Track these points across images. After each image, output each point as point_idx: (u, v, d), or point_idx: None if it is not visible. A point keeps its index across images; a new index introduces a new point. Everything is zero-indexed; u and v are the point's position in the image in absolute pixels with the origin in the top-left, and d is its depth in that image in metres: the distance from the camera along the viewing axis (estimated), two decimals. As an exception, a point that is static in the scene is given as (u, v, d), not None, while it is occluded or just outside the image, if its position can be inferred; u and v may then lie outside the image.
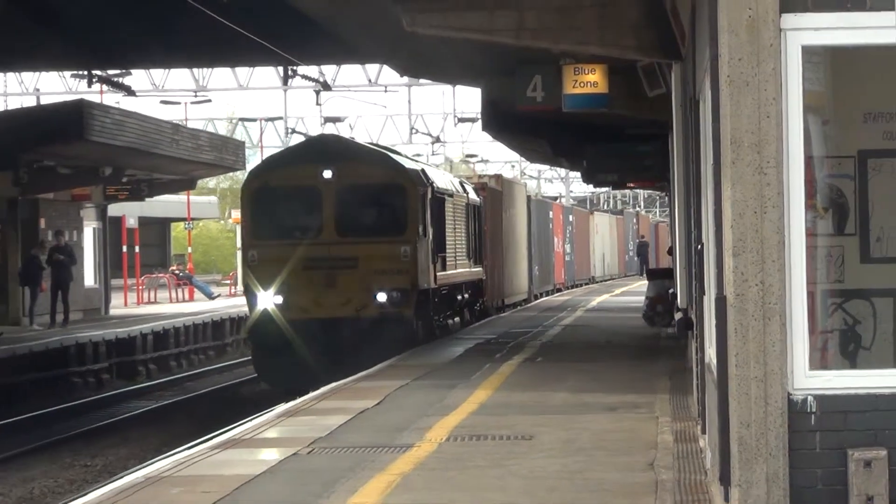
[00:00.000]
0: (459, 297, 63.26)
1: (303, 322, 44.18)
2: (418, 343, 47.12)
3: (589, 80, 31.33)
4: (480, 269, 71.72)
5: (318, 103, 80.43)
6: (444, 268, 54.06)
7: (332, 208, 44.55)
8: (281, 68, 70.83)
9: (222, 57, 60.67)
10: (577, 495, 18.89)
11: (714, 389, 17.06)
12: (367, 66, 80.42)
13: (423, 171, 52.05)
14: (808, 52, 15.29)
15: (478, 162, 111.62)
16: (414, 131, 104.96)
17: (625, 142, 53.65)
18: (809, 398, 15.14)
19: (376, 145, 64.13)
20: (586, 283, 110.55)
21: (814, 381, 15.23)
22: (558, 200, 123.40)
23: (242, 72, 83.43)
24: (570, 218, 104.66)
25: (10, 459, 44.85)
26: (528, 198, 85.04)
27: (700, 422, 22.34)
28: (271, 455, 23.74)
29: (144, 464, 32.49)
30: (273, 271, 44.55)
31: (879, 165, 14.93)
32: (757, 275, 15.19)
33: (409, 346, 44.48)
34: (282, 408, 36.96)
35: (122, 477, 26.50)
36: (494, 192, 73.57)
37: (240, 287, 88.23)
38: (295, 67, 64.97)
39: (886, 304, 14.85)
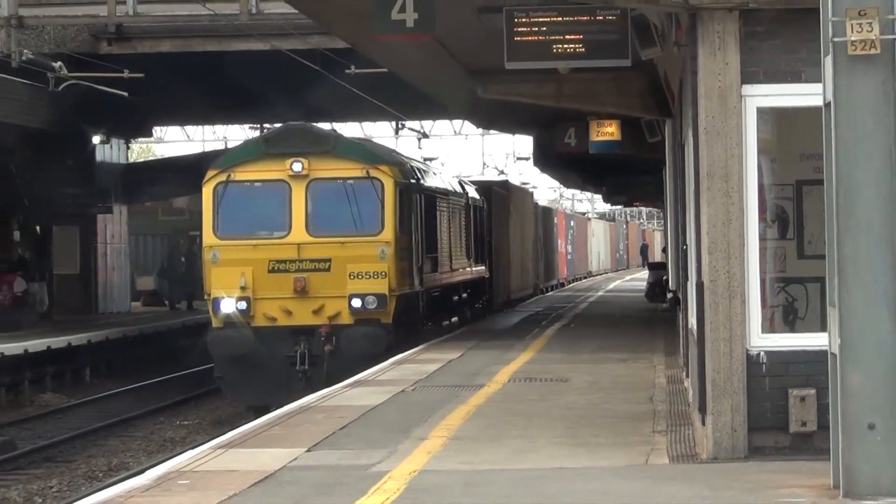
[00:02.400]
0: (456, 298, 45.66)
1: (270, 331, 30.84)
2: (401, 351, 32.02)
3: (607, 131, 31.62)
4: (483, 267, 53.44)
5: (419, 147, 76.51)
6: (435, 269, 38.76)
7: (303, 204, 31.24)
8: (393, 123, 61.36)
9: (352, 115, 52.25)
10: (599, 419, 18.87)
11: (694, 347, 17.02)
12: (454, 121, 66.83)
13: (408, 165, 36.76)
14: (761, 112, 15.24)
15: (531, 188, 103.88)
16: (485, 166, 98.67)
17: (632, 174, 53.64)
18: (761, 353, 15.08)
19: (357, 139, 42.17)
20: (585, 278, 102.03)
21: (764, 341, 15.18)
22: (585, 215, 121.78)
23: (367, 126, 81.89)
24: (572, 223, 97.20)
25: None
26: (535, 204, 74.18)
27: (685, 369, 22.29)
28: (387, 391, 23.75)
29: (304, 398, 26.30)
30: (237, 274, 31.12)
31: (810, 191, 14.85)
32: (724, 267, 15.14)
33: (388, 356, 30.37)
34: (394, 358, 32.80)
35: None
36: (501, 196, 57.80)
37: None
38: (403, 122, 58.53)
39: (815, 288, 14.74)
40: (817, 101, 13.13)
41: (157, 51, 31.59)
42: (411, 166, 34.67)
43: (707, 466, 14.76)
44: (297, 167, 28.83)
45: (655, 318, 44.10)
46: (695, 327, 17.42)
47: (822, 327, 13.41)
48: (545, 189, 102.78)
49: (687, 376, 21.01)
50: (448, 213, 43.13)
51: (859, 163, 12.72)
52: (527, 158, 69.94)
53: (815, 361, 13.96)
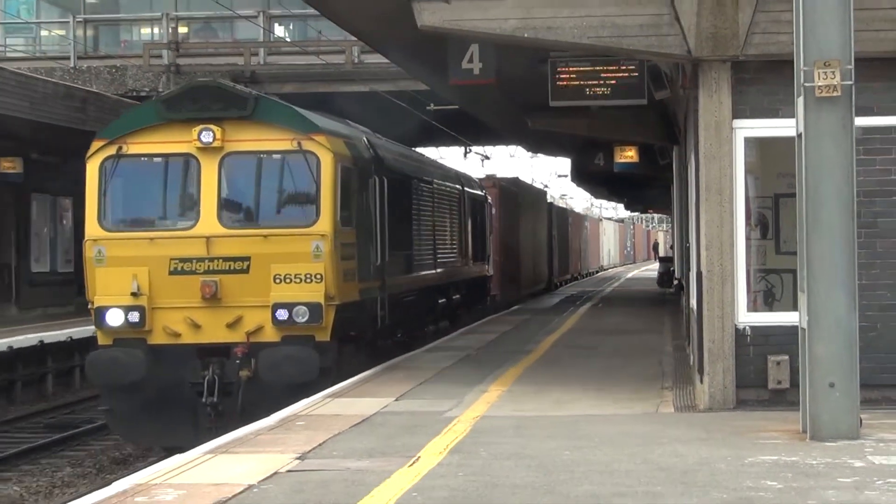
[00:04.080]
0: (443, 300, 31.99)
1: (172, 350, 19.28)
2: (345, 376, 20.12)
3: (628, 155, 31.10)
4: (484, 265, 39.02)
5: (482, 166, 76.05)
6: (409, 269, 26.27)
7: (214, 186, 19.55)
8: (462, 148, 57.03)
9: (430, 142, 50.01)
10: (620, 378, 18.84)
11: (695, 322, 16.98)
12: (509, 146, 62.28)
13: (361, 138, 23.34)
14: (747, 140, 15.19)
15: (568, 199, 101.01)
16: (533, 180, 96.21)
17: (647, 188, 52.71)
18: (747, 327, 15.04)
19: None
20: (597, 272, 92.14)
21: (749, 318, 15.13)
22: (612, 219, 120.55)
23: (442, 150, 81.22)
24: (585, 223, 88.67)
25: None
26: (550, 204, 62.52)
27: (687, 340, 22.24)
28: (457, 355, 23.34)
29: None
30: (129, 276, 19.19)
31: (785, 202, 14.79)
32: (718, 260, 15.10)
33: (327, 384, 19.19)
34: (461, 330, 30.79)
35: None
36: (509, 192, 44.90)
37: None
38: (470, 147, 56.05)
39: (788, 278, 14.70)
40: (791, 133, 13.11)
41: (281, 92, 30.28)
42: (368, 141, 22.20)
43: (704, 415, 14.76)
44: (206, 137, 18.00)
45: (664, 300, 43.90)
46: (695, 307, 17.41)
47: (794, 308, 13.41)
48: (581, 200, 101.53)
49: (688, 345, 20.98)
50: (432, 202, 29.40)
51: (824, 181, 12.70)
52: (565, 175, 66.80)
53: (788, 334, 13.94)
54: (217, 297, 17.62)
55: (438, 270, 30.02)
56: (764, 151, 15.36)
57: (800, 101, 12.79)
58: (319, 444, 13.03)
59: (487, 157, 61.28)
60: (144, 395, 17.88)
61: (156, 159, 18.36)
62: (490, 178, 44.49)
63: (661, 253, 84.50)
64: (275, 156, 18.28)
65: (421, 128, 41.27)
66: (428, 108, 36.46)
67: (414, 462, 11.84)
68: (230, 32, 38.65)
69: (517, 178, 52.18)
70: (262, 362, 17.30)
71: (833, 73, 12.63)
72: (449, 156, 57.31)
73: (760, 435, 13.01)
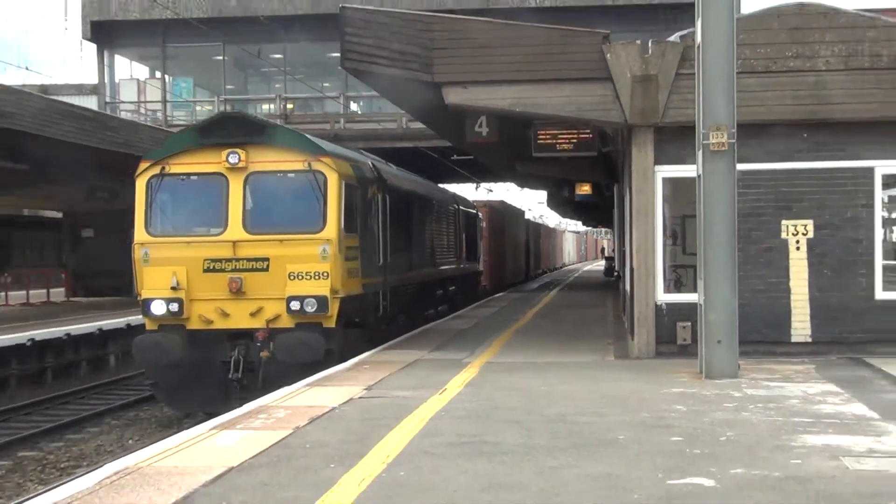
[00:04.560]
0: (440, 291, 29.36)
1: (205, 335, 16.54)
2: (350, 354, 17.04)
3: (585, 189, 30.73)
4: (477, 263, 36.59)
5: (487, 195, 71.99)
6: (410, 267, 23.57)
7: (240, 199, 16.70)
8: (474, 184, 54.63)
9: (452, 179, 46.08)
10: (579, 337, 18.81)
11: (628, 300, 17.00)
12: (506, 182, 55.05)
13: (366, 163, 20.01)
14: (664, 179, 15.15)
15: (545, 218, 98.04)
16: (520, 205, 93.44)
17: (598, 211, 51.63)
18: (663, 304, 15.04)
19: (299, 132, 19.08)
20: (560, 268, 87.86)
21: (665, 297, 15.05)
22: (573, 231, 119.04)
23: (460, 186, 78.50)
24: (554, 233, 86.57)
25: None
26: (527, 220, 59.96)
27: (623, 311, 22.24)
28: (468, 322, 23.16)
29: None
30: (170, 273, 16.67)
31: (690, 221, 14.62)
32: (644, 259, 15.12)
33: (333, 362, 16.20)
34: (467, 308, 29.24)
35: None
36: (497, 212, 43.09)
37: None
38: (479, 183, 53.77)
39: (691, 271, 14.70)
40: (693, 174, 13.13)
41: (356, 147, 30.09)
42: (373, 165, 20.13)
43: (634, 362, 14.81)
44: (233, 159, 16.53)
45: (608, 285, 43.57)
46: (629, 290, 17.40)
47: (695, 290, 13.38)
48: (554, 218, 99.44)
49: (624, 315, 20.97)
50: (431, 216, 26.42)
51: (715, 207, 12.80)
52: (542, 203, 65.58)
53: (690, 308, 13.88)
54: (242, 291, 15.71)
55: (439, 268, 27.33)
56: (675, 187, 15.22)
57: (699, 153, 12.85)
58: (379, 381, 13.10)
59: (491, 190, 60.52)
60: (183, 372, 16.03)
61: (192, 177, 16.35)
62: (481, 201, 42.28)
63: (606, 253, 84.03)
64: (290, 174, 16.17)
65: (447, 170, 41.02)
66: (451, 158, 36.34)
67: (442, 392, 11.97)
68: (322, 107, 38.60)
69: (503, 201, 50.17)
70: (279, 345, 15.43)
71: (722, 134, 12.73)
72: (464, 189, 55.65)
73: (672, 375, 13.05)
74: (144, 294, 16.11)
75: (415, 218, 23.51)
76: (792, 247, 14.94)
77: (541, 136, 17.47)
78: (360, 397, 11.74)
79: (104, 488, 7.60)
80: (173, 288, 15.86)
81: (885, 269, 14.99)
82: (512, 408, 10.79)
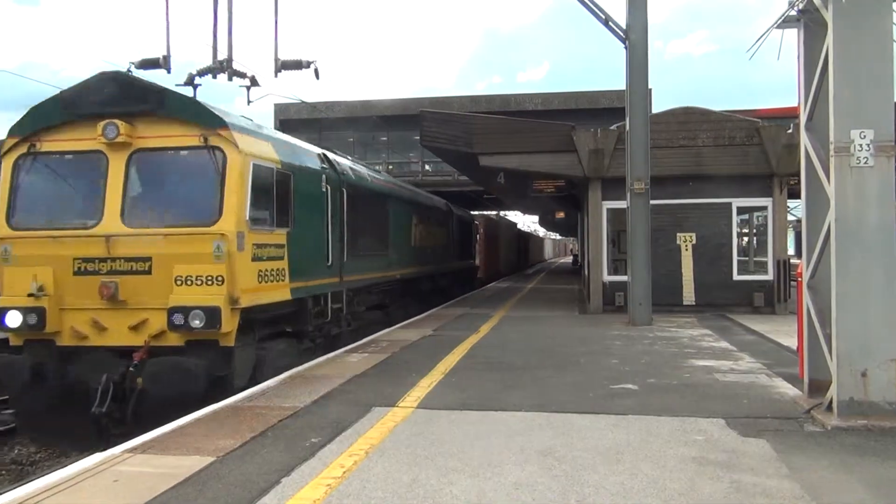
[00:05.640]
0: (431, 285, 18.29)
1: (79, 352, 5.60)
2: (284, 369, 7.06)
3: (560, 215, 30.10)
4: (472, 261, 26.93)
5: (504, 215, 68.53)
6: (386, 266, 12.68)
7: (120, 183, 5.38)
8: (495, 211, 48.38)
9: (482, 207, 43.60)
10: (557, 301, 18.32)
11: (586, 280, 16.78)
12: (515, 210, 50.86)
13: (322, 154, 9.14)
14: (608, 209, 14.92)
15: (538, 229, 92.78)
16: (521, 222, 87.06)
17: (568, 227, 50.16)
18: (608, 281, 14.88)
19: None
20: (544, 261, 76.97)
21: (608, 278, 14.74)
22: (552, 238, 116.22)
23: (486, 211, 73.55)
24: (538, 239, 77.32)
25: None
26: (519, 230, 50.66)
27: (583, 286, 21.98)
28: (486, 294, 22.45)
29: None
30: (32, 276, 5.73)
31: (622, 234, 14.36)
32: (596, 255, 14.92)
33: (236, 389, 6.06)
34: (484, 287, 25.50)
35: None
36: (491, 222, 34.42)
37: None
38: (499, 210, 48.97)
39: (623, 262, 14.13)
40: (624, 206, 12.97)
41: (427, 191, 28.51)
42: (326, 156, 10.15)
43: (590, 316, 14.37)
44: (110, 132, 6.62)
45: (574, 272, 42.71)
46: (587, 273, 17.19)
47: (625, 273, 13.27)
48: (542, 231, 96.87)
49: (584, 289, 20.79)
50: (419, 218, 17.01)
51: (637, 226, 12.62)
52: (535, 222, 63.54)
53: (623, 283, 13.76)
54: (117, 298, 7.28)
55: (430, 265, 17.93)
56: (614, 214, 14.83)
57: (628, 194, 12.67)
58: (441, 326, 12.91)
59: (506, 215, 57.88)
60: (48, 399, 7.49)
61: (67, 156, 7.72)
62: (480, 214, 32.46)
63: (573, 252, 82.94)
64: (182, 152, 7.54)
65: (481, 203, 40.41)
66: (483, 196, 35.99)
67: (477, 332, 11.83)
68: (409, 168, 38.49)
69: (498, 214, 40.86)
70: (146, 372, 7.07)
71: (642, 183, 12.56)
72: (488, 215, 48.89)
73: (612, 323, 12.76)
74: (1, 302, 7.62)
75: (393, 218, 14.38)
76: (683, 249, 14.71)
77: (535, 184, 17.34)
78: (429, 335, 11.60)
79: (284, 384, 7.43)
80: (32, 294, 7.46)
81: (738, 262, 14.74)
82: (515, 340, 10.65)
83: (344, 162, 11.54)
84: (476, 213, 30.30)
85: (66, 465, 4.78)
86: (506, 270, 39.23)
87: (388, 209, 13.76)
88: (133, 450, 5.03)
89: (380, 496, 4.21)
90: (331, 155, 10.89)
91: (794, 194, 13.09)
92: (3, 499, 4.20)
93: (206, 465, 4.67)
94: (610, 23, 12.41)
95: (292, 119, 37.84)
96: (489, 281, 30.35)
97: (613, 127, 14.97)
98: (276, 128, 36.59)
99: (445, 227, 20.65)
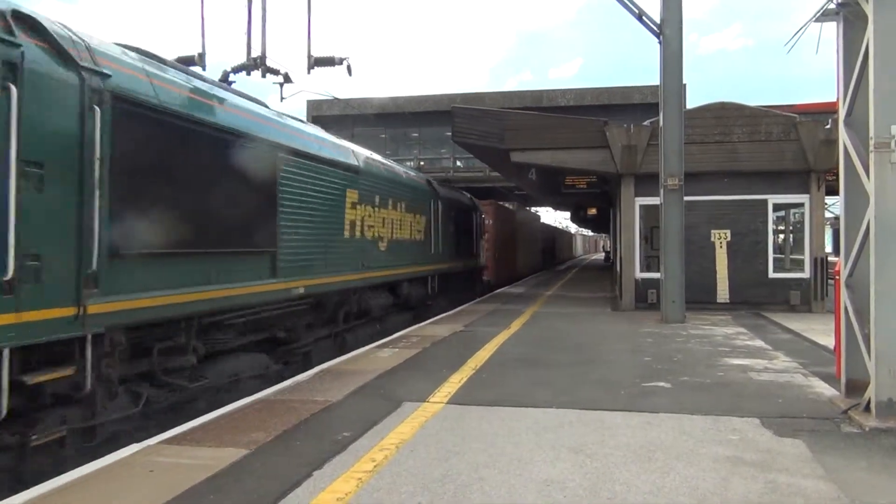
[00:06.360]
0: (392, 297, 11.74)
1: None
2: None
3: (592, 211, 29.92)
4: (474, 260, 19.46)
5: (536, 211, 67.42)
6: (363, 266, 8.25)
7: None
8: (517, 203, 50.61)
9: (506, 199, 44.97)
10: (590, 299, 18.31)
11: (619, 276, 16.69)
12: (546, 207, 48.53)
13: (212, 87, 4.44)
14: (641, 206, 14.87)
15: (569, 225, 78.44)
16: (554, 219, 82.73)
17: (600, 222, 49.36)
18: (640, 278, 14.74)
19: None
20: (575, 258, 73.05)
21: (641, 275, 14.78)
22: (584, 234, 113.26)
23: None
24: (567, 234, 72.00)
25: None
26: (543, 224, 44.79)
27: (615, 283, 21.86)
28: (517, 291, 22.48)
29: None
30: None
31: (656, 230, 14.30)
32: (628, 252, 14.88)
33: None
34: (517, 282, 25.70)
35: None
36: (506, 211, 27.76)
37: None
38: (530, 207, 49.26)
39: (656, 259, 14.09)
40: (658, 202, 12.91)
41: (459, 186, 27.97)
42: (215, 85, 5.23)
43: (622, 313, 14.32)
44: None
45: (606, 268, 42.63)
46: (619, 270, 17.16)
47: (658, 271, 13.19)
48: (573, 227, 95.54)
49: (616, 285, 20.70)
50: (406, 206, 12.12)
51: (670, 222, 12.53)
52: (567, 218, 62.54)
53: (656, 280, 13.74)
54: None
55: (413, 265, 13.43)
56: (647, 210, 14.77)
57: (662, 190, 12.61)
58: (472, 322, 12.99)
59: (537, 210, 57.40)
60: None
61: None
62: (489, 201, 24.95)
63: (605, 249, 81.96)
64: None
65: (512, 198, 40.11)
66: (515, 192, 35.83)
67: (508, 328, 11.87)
68: (440, 164, 38.56)
69: (516, 203, 35.02)
70: None
71: (675, 179, 12.46)
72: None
73: (644, 320, 12.72)
74: None
75: (343, 203, 9.69)
76: (717, 246, 14.54)
77: (567, 180, 17.28)
78: (460, 331, 11.66)
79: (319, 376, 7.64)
80: None
81: (774, 259, 14.52)
82: (548, 338, 10.64)
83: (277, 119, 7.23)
84: (486, 202, 23.96)
85: (102, 457, 4.70)
86: (526, 271, 31.93)
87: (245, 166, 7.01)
88: (168, 441, 5.02)
89: (410, 490, 4.25)
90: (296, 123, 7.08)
91: (832, 191, 12.85)
92: (40, 488, 4.12)
93: (241, 457, 4.69)
94: (644, 17, 12.30)
95: (325, 115, 38.22)
96: (501, 285, 23.85)
97: (647, 122, 14.85)
98: (310, 122, 36.79)
99: (422, 215, 14.12)
